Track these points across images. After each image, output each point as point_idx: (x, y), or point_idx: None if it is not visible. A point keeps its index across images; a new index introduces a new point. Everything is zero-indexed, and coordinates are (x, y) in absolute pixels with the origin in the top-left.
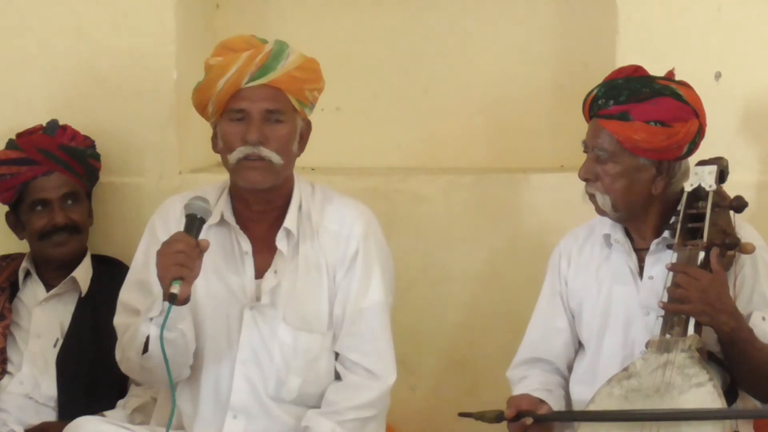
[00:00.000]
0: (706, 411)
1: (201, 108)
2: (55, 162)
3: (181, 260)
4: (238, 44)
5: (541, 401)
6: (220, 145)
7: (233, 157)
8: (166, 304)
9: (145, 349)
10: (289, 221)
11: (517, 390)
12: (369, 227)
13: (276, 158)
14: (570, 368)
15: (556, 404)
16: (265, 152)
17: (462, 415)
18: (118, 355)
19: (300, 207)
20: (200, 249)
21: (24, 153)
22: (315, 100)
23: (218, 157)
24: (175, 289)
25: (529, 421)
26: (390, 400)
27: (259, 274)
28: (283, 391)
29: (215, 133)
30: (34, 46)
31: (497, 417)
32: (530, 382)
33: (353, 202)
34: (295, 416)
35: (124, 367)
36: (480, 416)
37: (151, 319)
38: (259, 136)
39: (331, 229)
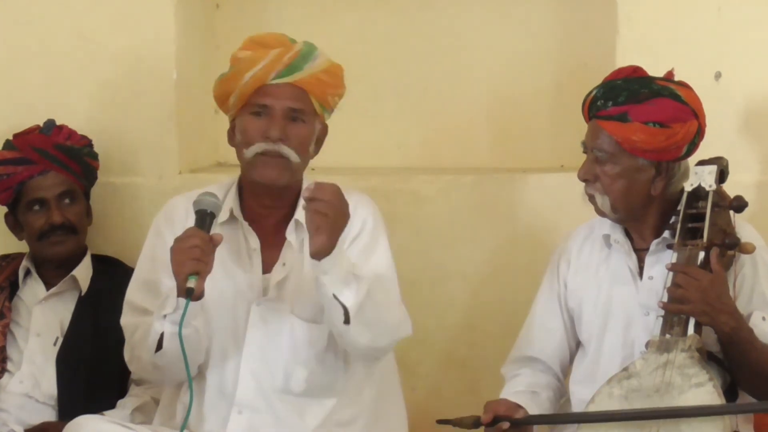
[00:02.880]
0: (697, 408)
1: (222, 100)
2: (51, 161)
3: (196, 255)
4: (269, 40)
5: (519, 406)
6: (238, 138)
7: (251, 151)
8: (182, 300)
9: (159, 347)
10: (300, 214)
11: (506, 387)
12: (373, 210)
13: (294, 156)
14: (564, 368)
15: (540, 407)
16: (285, 150)
17: (440, 422)
18: (127, 355)
19: None
20: (214, 243)
21: (20, 153)
22: (335, 106)
23: (218, 157)
24: (191, 284)
25: (505, 425)
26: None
27: (267, 269)
28: (291, 383)
29: (233, 126)
30: (34, 46)
31: (474, 422)
32: (517, 382)
33: (355, 192)
34: (301, 411)
35: (134, 367)
36: (458, 422)
37: (165, 316)
38: (280, 132)
39: None
